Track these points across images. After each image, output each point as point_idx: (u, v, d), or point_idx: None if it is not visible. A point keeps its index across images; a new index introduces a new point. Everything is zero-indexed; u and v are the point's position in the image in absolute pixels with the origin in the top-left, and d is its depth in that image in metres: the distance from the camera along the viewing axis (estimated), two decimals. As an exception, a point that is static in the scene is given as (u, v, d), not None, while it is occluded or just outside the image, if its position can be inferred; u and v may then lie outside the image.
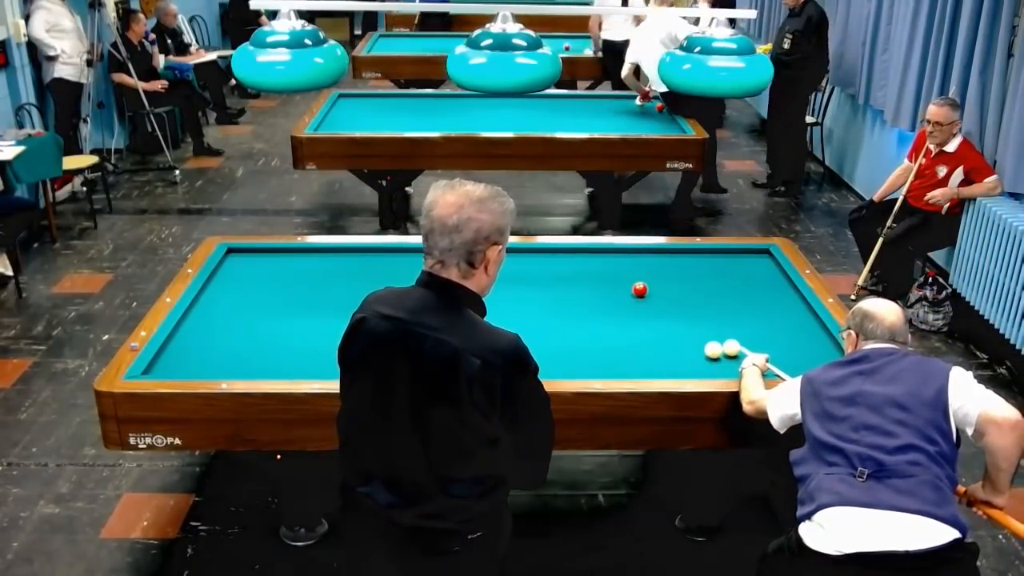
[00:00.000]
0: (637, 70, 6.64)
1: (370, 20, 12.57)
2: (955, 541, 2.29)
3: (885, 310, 2.64)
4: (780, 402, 2.68)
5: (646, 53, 6.22)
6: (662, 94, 6.27)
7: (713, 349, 3.24)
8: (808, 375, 2.62)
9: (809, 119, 7.93)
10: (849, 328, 2.70)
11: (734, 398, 2.95)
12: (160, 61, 8.19)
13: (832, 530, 2.33)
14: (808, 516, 2.40)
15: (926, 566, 2.28)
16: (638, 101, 6.50)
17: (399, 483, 2.12)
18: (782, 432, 2.69)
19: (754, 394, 2.83)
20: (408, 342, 2.04)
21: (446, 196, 2.04)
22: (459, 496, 2.10)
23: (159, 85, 7.86)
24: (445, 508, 2.10)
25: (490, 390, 2.01)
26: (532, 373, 2.09)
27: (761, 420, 2.75)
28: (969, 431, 2.42)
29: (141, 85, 7.52)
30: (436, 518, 2.11)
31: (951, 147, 5.09)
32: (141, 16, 7.92)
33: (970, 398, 2.40)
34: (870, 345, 2.60)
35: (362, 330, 2.13)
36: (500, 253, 2.10)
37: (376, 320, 2.11)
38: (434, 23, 9.62)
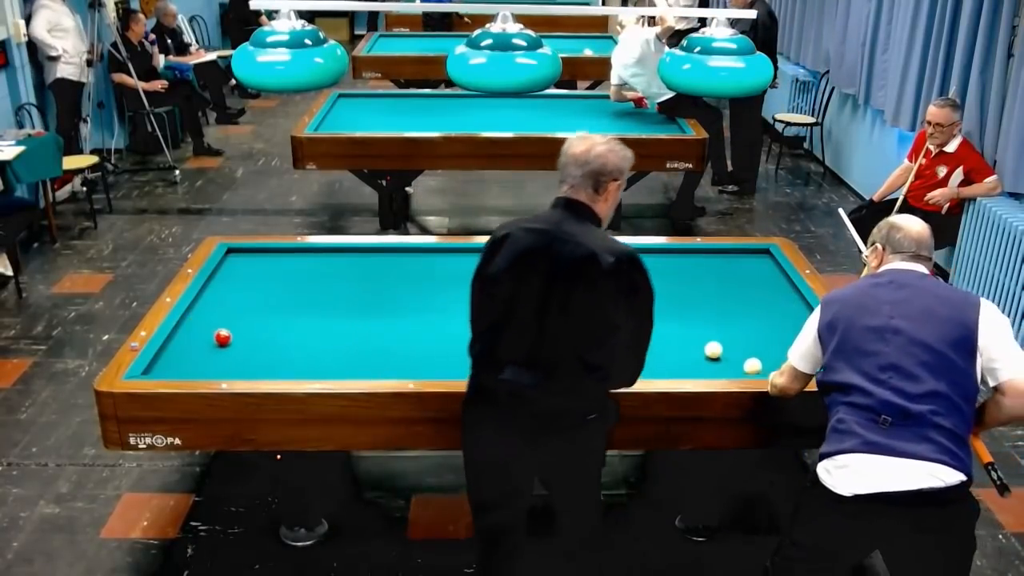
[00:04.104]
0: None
1: (372, 20, 12.58)
2: (962, 483, 2.34)
3: (911, 221, 2.66)
4: (799, 338, 2.67)
5: (628, 70, 6.27)
6: (658, 104, 6.29)
7: (713, 349, 3.25)
8: (829, 297, 2.61)
9: (808, 119, 7.95)
10: (875, 243, 2.67)
11: (734, 398, 2.95)
12: (160, 61, 8.19)
13: (848, 474, 2.38)
14: (828, 455, 2.44)
15: (932, 503, 2.34)
16: (635, 106, 6.51)
17: (541, 365, 2.51)
18: (809, 372, 2.68)
19: (776, 372, 2.81)
20: (553, 246, 2.51)
21: (581, 141, 2.60)
22: (588, 376, 2.53)
23: (159, 85, 7.86)
24: (577, 386, 2.54)
25: (620, 283, 2.49)
26: (647, 274, 2.53)
27: (789, 395, 2.76)
28: (991, 382, 2.44)
29: (141, 85, 7.53)
30: (568, 394, 2.54)
31: (951, 147, 5.09)
32: (141, 16, 7.92)
33: (1003, 354, 2.41)
34: (896, 263, 2.59)
35: (509, 242, 2.55)
36: (618, 189, 2.62)
37: (521, 232, 2.56)
38: (436, 23, 9.65)
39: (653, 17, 6.47)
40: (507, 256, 2.53)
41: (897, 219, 2.68)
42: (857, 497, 2.37)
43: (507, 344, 2.54)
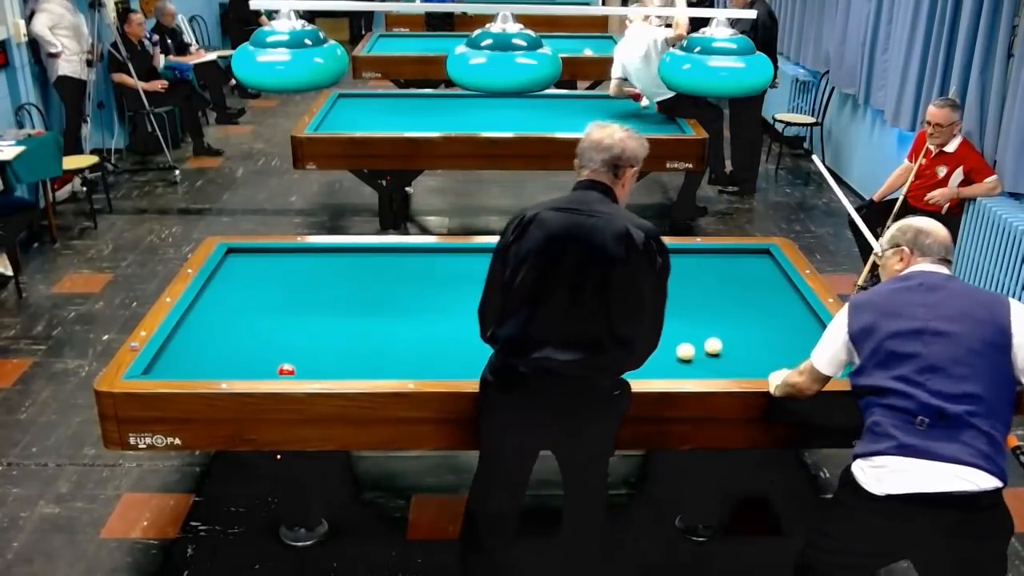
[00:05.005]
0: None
1: (367, 22, 12.57)
2: (996, 489, 2.35)
3: (935, 225, 2.66)
4: (825, 342, 2.65)
5: (630, 64, 6.24)
6: (658, 103, 6.28)
7: (713, 345, 3.25)
8: (858, 301, 2.60)
9: (808, 119, 7.95)
10: (899, 245, 2.66)
11: (734, 398, 2.95)
12: (160, 61, 8.19)
13: (883, 474, 2.39)
14: (864, 456, 2.45)
15: (964, 507, 2.34)
16: (636, 101, 6.50)
17: (575, 342, 2.58)
18: (833, 376, 2.68)
19: (794, 372, 2.80)
20: (583, 225, 2.60)
21: (601, 128, 2.75)
22: (617, 351, 2.61)
23: (159, 85, 7.86)
24: (609, 362, 2.62)
25: (650, 256, 2.59)
26: (667, 251, 2.65)
27: (803, 396, 2.76)
28: (1022, 378, 2.44)
29: (141, 85, 7.52)
30: (601, 370, 2.63)
31: (951, 147, 5.09)
32: (140, 16, 7.91)
33: None
34: (922, 265, 2.59)
35: (537, 222, 2.61)
36: (634, 176, 2.77)
37: (550, 213, 2.63)
38: (438, 23, 9.66)
39: (668, 19, 6.42)
40: (538, 237, 2.59)
41: (922, 223, 2.67)
42: (890, 497, 2.38)
43: (540, 324, 2.60)
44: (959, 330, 2.43)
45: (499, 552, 2.93)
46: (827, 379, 2.70)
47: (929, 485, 2.34)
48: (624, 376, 2.74)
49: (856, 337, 2.54)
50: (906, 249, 2.65)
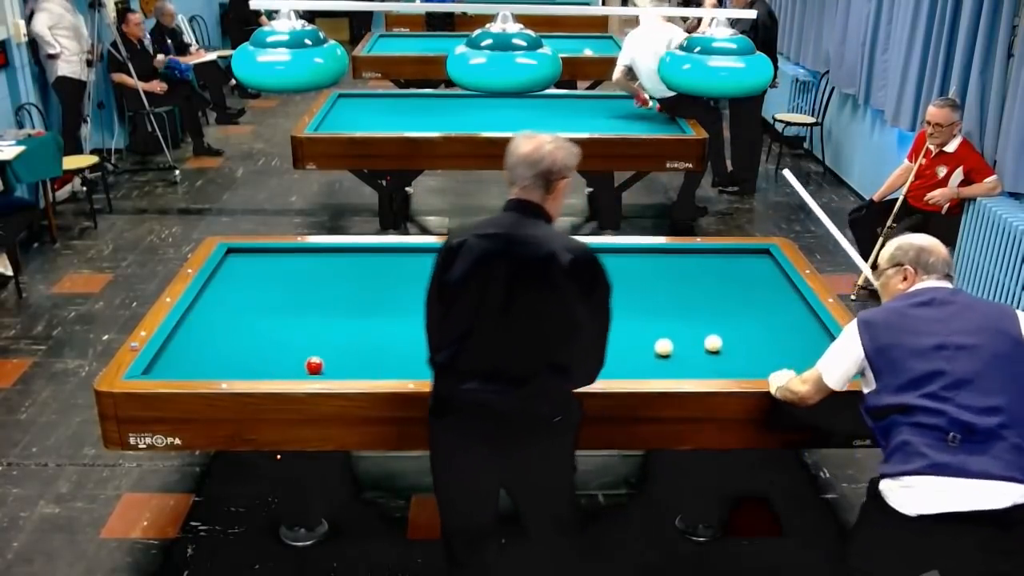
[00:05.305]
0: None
1: (366, 22, 12.56)
2: None
3: (935, 242, 2.66)
4: (837, 359, 2.63)
5: (642, 60, 6.20)
6: (660, 101, 6.27)
7: (713, 342, 3.25)
8: (868, 319, 2.58)
9: (808, 119, 7.95)
10: (902, 264, 2.65)
11: (734, 398, 2.95)
12: (161, 59, 8.18)
13: (914, 494, 2.37)
14: (893, 475, 2.42)
15: (997, 523, 2.33)
16: (636, 103, 6.49)
17: (506, 371, 2.50)
18: (841, 390, 2.66)
19: (797, 380, 2.79)
20: (511, 250, 2.50)
21: (528, 141, 2.58)
22: (553, 378, 2.53)
23: (158, 87, 7.84)
24: (542, 389, 2.53)
25: (580, 279, 2.48)
26: (604, 269, 2.53)
27: (803, 405, 2.75)
28: None
29: (141, 85, 7.52)
30: (534, 399, 2.52)
31: (951, 147, 5.09)
32: (139, 16, 7.90)
33: None
34: (928, 283, 2.59)
35: (464, 250, 2.52)
36: (567, 186, 2.61)
37: (476, 239, 2.54)
38: (438, 23, 9.66)
39: (696, 20, 6.35)
40: (465, 264, 2.51)
41: (922, 241, 2.67)
42: (923, 517, 2.35)
43: (470, 353, 2.52)
44: (979, 342, 2.43)
45: (479, 568, 2.87)
46: (832, 393, 2.69)
47: (962, 504, 2.32)
48: (569, 400, 2.63)
49: (874, 358, 2.52)
50: (910, 268, 2.64)
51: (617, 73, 6.43)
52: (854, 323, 2.61)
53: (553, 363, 2.52)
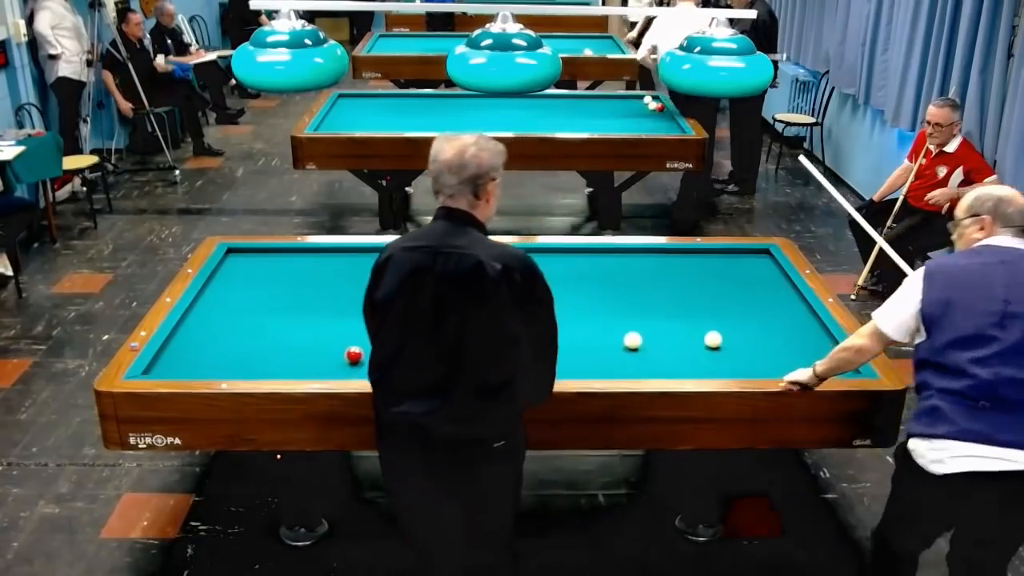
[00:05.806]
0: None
1: (366, 22, 12.56)
2: None
3: (1014, 193, 2.64)
4: (895, 307, 2.62)
5: (669, 45, 6.17)
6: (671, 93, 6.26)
7: (713, 339, 3.26)
8: (935, 269, 2.57)
9: (808, 119, 7.95)
10: (979, 214, 2.62)
11: (734, 398, 2.95)
12: (161, 59, 8.18)
13: (944, 456, 2.41)
14: (922, 436, 2.45)
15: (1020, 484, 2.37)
16: (651, 105, 6.47)
17: (440, 391, 2.38)
18: (899, 340, 2.63)
19: (853, 335, 2.79)
20: (437, 262, 2.37)
21: (449, 145, 2.42)
22: (492, 398, 2.39)
23: (162, 64, 7.88)
24: (480, 411, 2.40)
25: (512, 288, 2.35)
26: (541, 275, 2.41)
27: (861, 361, 2.76)
28: None
29: (118, 96, 7.56)
30: (471, 421, 2.40)
31: (951, 147, 5.09)
32: (139, 16, 7.90)
33: None
34: (999, 239, 2.57)
35: (391, 265, 2.42)
36: (498, 187, 2.47)
37: (402, 253, 2.42)
38: (439, 22, 9.67)
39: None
40: (393, 280, 2.40)
41: (1002, 191, 2.65)
42: (949, 476, 2.40)
43: (403, 372, 2.42)
44: None
45: None
46: (892, 343, 2.66)
47: (989, 464, 2.35)
48: (514, 423, 2.51)
49: (929, 310, 2.51)
50: (987, 218, 2.61)
51: (642, 52, 6.46)
52: (920, 271, 2.60)
53: (489, 382, 2.39)
